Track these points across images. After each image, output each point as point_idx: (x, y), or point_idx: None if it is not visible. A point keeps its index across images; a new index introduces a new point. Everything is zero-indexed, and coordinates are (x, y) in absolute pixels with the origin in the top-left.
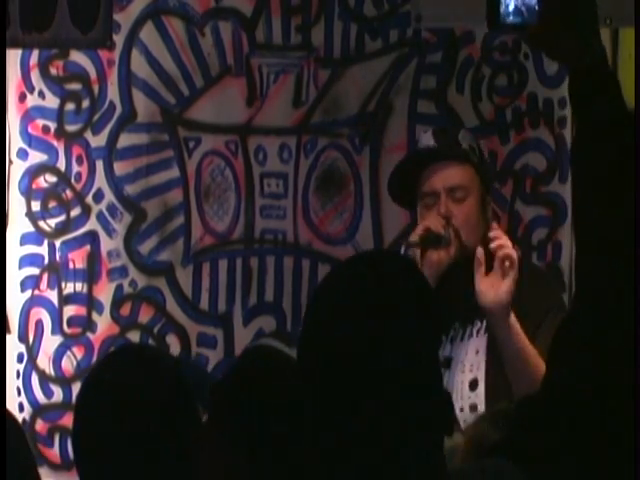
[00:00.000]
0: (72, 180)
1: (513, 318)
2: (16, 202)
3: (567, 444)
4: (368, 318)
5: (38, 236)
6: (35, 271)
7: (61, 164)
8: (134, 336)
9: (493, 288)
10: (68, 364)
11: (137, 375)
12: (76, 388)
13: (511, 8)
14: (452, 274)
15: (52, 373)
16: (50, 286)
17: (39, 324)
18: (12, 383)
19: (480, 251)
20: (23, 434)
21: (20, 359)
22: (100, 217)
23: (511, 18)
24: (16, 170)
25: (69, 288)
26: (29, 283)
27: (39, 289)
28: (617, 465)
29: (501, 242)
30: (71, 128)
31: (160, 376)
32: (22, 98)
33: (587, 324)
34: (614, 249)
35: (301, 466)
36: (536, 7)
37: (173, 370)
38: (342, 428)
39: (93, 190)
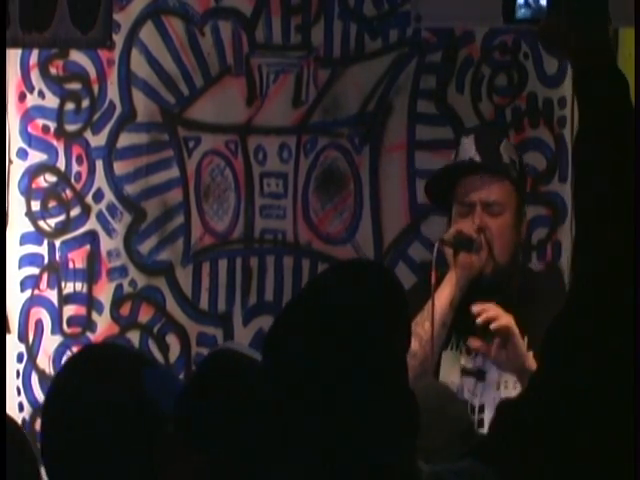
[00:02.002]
0: (72, 180)
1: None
2: (16, 202)
3: (547, 446)
4: (339, 323)
5: (38, 236)
6: (35, 271)
7: (61, 164)
8: (134, 336)
9: (507, 358)
10: None
11: (94, 381)
12: None
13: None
14: (486, 287)
15: (52, 373)
16: (50, 286)
17: (39, 324)
18: (12, 383)
19: (475, 342)
20: (25, 437)
21: (20, 359)
22: (100, 217)
23: (522, 11)
24: (16, 170)
25: (69, 288)
26: (29, 283)
27: (39, 289)
28: (601, 467)
29: (488, 315)
30: (71, 128)
31: (116, 383)
32: (22, 98)
33: (580, 324)
34: (614, 249)
35: (270, 468)
36: (543, 2)
37: (131, 375)
38: (308, 429)
39: (93, 190)
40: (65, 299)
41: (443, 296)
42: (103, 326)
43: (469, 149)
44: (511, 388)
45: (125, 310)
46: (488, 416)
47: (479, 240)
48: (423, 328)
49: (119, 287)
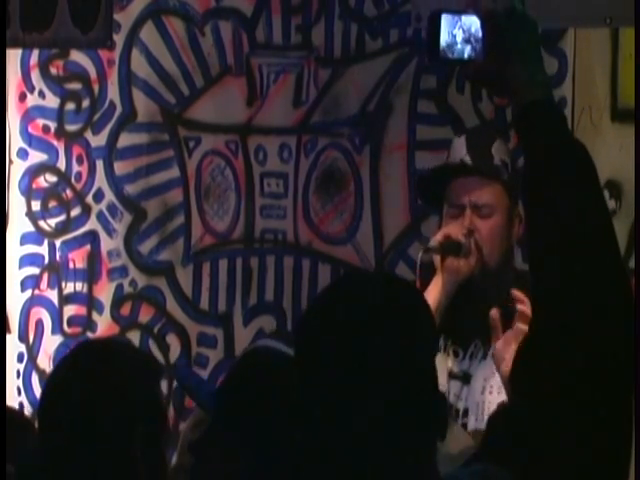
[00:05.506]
0: (72, 180)
1: None
2: (16, 202)
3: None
4: (366, 326)
5: (38, 236)
6: (35, 271)
7: (61, 164)
8: (134, 336)
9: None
10: None
11: (100, 373)
12: None
13: (459, 39)
14: (475, 289)
15: None
16: (50, 286)
17: (39, 324)
18: (12, 383)
19: (494, 312)
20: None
21: (20, 359)
22: (100, 217)
23: (458, 47)
24: (16, 170)
25: (69, 288)
26: (29, 283)
27: (39, 289)
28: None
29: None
30: (71, 128)
31: (121, 373)
32: (22, 98)
33: (546, 344)
34: (568, 271)
35: (302, 465)
36: (481, 42)
37: (133, 365)
38: (336, 430)
39: (93, 190)
40: (65, 299)
41: (429, 300)
42: (103, 326)
43: (460, 150)
44: (495, 393)
45: (125, 310)
46: (472, 420)
47: (468, 244)
48: None
49: (119, 287)
